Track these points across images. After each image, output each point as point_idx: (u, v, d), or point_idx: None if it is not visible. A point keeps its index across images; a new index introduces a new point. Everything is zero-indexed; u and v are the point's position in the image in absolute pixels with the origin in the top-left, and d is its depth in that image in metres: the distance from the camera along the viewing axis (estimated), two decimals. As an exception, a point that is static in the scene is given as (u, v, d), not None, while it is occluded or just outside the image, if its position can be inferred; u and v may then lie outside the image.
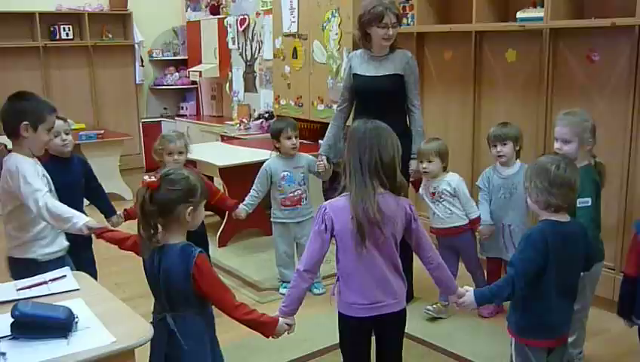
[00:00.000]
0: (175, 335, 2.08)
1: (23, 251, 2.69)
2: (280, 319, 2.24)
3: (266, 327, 2.20)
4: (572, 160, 2.33)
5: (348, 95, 3.81)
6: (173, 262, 2.07)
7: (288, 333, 2.30)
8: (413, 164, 3.62)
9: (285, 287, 4.13)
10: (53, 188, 2.74)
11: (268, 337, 2.24)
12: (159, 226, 2.11)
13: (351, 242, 2.20)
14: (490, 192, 3.62)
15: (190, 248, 2.10)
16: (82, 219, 2.55)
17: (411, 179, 3.66)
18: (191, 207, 2.11)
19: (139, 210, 2.07)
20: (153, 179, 2.06)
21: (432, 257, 2.35)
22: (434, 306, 3.62)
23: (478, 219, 3.59)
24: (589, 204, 2.68)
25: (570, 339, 2.85)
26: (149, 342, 1.95)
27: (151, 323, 2.07)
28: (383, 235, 2.19)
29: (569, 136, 2.78)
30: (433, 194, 3.61)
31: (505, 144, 3.50)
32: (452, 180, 3.58)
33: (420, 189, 3.71)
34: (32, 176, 2.59)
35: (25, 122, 2.60)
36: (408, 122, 3.71)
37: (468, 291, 2.35)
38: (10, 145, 2.87)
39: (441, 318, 3.63)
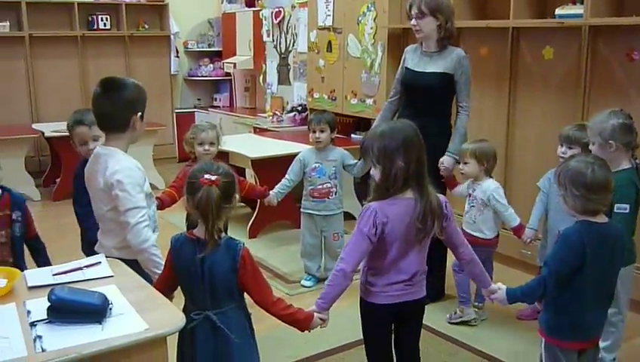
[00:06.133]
0: (222, 331, 2.08)
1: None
2: (315, 314, 2.25)
3: (301, 323, 2.22)
4: (603, 159, 2.28)
5: (399, 88, 3.75)
6: (220, 257, 2.07)
7: (321, 327, 2.31)
8: (445, 161, 3.51)
9: (309, 280, 4.15)
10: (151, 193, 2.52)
11: (302, 331, 2.26)
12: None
13: (402, 241, 2.21)
14: (549, 195, 3.33)
15: (234, 241, 2.11)
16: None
17: (443, 175, 3.54)
18: (237, 195, 2.14)
19: (213, 210, 2.01)
20: (213, 177, 2.03)
21: (464, 253, 2.38)
22: (454, 313, 3.56)
23: (520, 226, 3.41)
24: (627, 210, 2.63)
25: (605, 344, 2.81)
26: (177, 334, 1.96)
27: (191, 326, 2.07)
28: (432, 231, 2.23)
29: (591, 138, 2.79)
30: (469, 195, 3.51)
31: (570, 148, 3.12)
32: (487, 189, 3.42)
33: (457, 187, 3.62)
34: (137, 186, 2.38)
35: (139, 113, 2.35)
36: (452, 122, 3.64)
37: (501, 288, 2.36)
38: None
39: (470, 323, 3.54)
